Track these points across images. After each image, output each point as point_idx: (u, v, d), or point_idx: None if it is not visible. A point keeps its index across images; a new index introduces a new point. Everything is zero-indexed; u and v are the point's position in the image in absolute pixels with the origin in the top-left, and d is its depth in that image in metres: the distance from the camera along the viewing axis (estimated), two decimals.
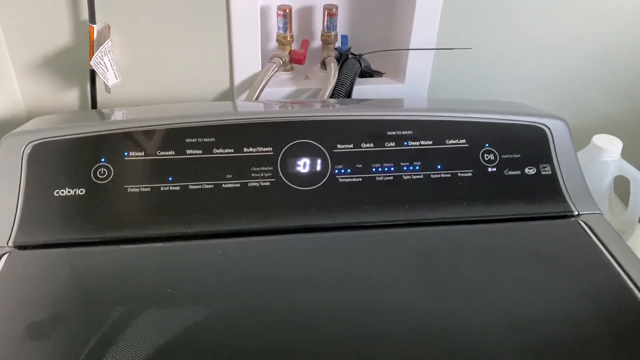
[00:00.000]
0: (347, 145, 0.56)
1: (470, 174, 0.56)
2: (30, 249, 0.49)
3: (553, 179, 0.57)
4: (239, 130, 0.55)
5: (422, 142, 0.57)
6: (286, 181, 0.54)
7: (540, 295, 0.46)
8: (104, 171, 0.53)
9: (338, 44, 0.80)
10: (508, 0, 0.76)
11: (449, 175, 0.56)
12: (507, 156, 0.57)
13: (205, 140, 0.54)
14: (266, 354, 0.40)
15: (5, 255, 0.48)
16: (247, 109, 0.65)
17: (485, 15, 0.77)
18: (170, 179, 0.53)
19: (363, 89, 0.77)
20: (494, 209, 0.55)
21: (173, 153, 0.54)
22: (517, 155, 0.58)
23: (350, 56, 0.77)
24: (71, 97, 0.75)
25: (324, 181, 0.55)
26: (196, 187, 0.53)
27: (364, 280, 0.47)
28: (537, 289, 0.47)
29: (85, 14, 0.69)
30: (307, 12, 0.80)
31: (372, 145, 0.56)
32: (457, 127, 0.58)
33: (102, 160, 0.53)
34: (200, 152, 0.54)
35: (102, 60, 0.69)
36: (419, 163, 0.56)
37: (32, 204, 0.51)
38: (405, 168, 0.56)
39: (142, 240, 0.50)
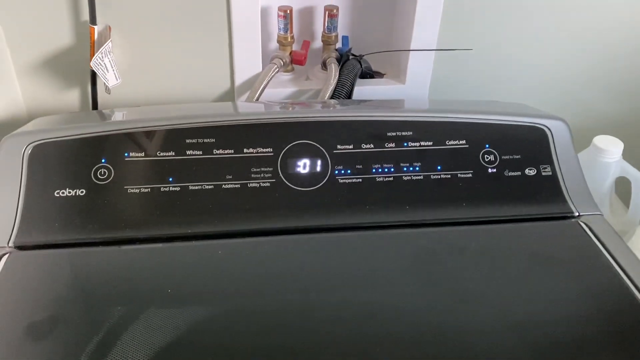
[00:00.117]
0: (347, 146, 0.56)
1: (470, 175, 0.56)
2: (31, 249, 0.49)
3: (553, 179, 0.57)
4: (239, 131, 0.55)
5: (422, 143, 0.57)
6: (286, 182, 0.54)
7: (541, 296, 0.46)
8: (104, 172, 0.53)
9: (339, 44, 0.80)
10: (508, 1, 0.76)
11: (449, 176, 0.56)
12: (507, 157, 0.57)
13: (206, 140, 0.54)
14: (266, 355, 0.40)
15: (6, 256, 0.48)
16: (247, 109, 0.65)
17: (486, 16, 0.77)
18: (170, 179, 0.53)
19: (364, 89, 0.77)
20: (494, 209, 0.55)
21: (173, 154, 0.54)
22: (517, 156, 0.58)
23: (351, 57, 0.77)
24: (72, 98, 0.75)
25: (324, 182, 0.55)
26: (196, 187, 0.53)
27: (364, 281, 0.47)
28: (537, 290, 0.47)
29: (85, 15, 0.69)
30: (307, 13, 0.80)
31: (372, 146, 0.56)
32: (457, 127, 0.58)
33: (103, 160, 0.53)
34: (201, 152, 0.54)
35: (103, 61, 0.69)
36: (419, 164, 0.56)
37: (33, 204, 0.51)
38: (405, 169, 0.56)
39: (142, 240, 0.50)
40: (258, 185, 0.54)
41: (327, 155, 0.55)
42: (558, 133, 0.59)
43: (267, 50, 0.80)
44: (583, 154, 0.69)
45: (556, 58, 0.82)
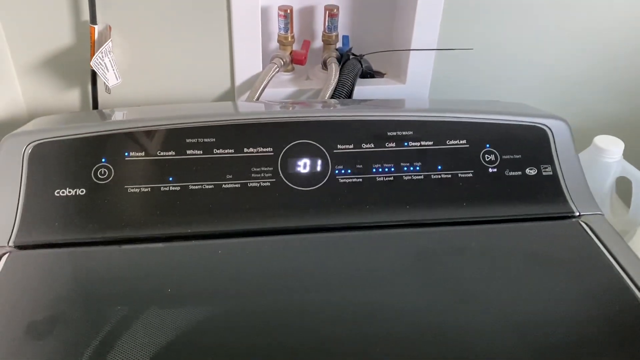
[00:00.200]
0: (347, 146, 0.56)
1: (470, 175, 0.56)
2: (31, 249, 0.49)
3: (554, 179, 0.57)
4: (239, 131, 0.55)
5: (423, 143, 0.57)
6: (286, 181, 0.54)
7: (541, 296, 0.46)
8: (104, 171, 0.53)
9: (339, 44, 0.79)
10: (509, 0, 0.76)
11: (450, 175, 0.56)
12: (507, 157, 0.57)
13: (206, 140, 0.54)
14: (266, 354, 0.40)
15: (6, 255, 0.48)
16: (247, 109, 0.65)
17: (486, 16, 0.77)
18: (170, 179, 0.53)
19: (364, 89, 0.77)
20: (495, 209, 0.55)
21: (173, 153, 0.54)
22: (517, 156, 0.57)
23: (351, 57, 0.77)
24: (72, 97, 0.75)
25: (324, 181, 0.55)
26: (196, 187, 0.53)
27: (364, 281, 0.47)
28: (538, 290, 0.47)
29: (86, 15, 0.69)
30: (308, 13, 0.80)
31: (372, 145, 0.56)
32: (458, 127, 0.58)
33: (103, 160, 0.53)
34: (201, 152, 0.54)
35: (103, 60, 0.69)
36: (419, 163, 0.56)
37: (33, 204, 0.51)
38: (405, 168, 0.56)
39: (143, 240, 0.50)
40: (258, 184, 0.54)
41: (328, 155, 0.55)
42: (559, 133, 0.59)
43: (267, 50, 0.80)
44: (584, 154, 0.69)
45: (556, 58, 0.82)
